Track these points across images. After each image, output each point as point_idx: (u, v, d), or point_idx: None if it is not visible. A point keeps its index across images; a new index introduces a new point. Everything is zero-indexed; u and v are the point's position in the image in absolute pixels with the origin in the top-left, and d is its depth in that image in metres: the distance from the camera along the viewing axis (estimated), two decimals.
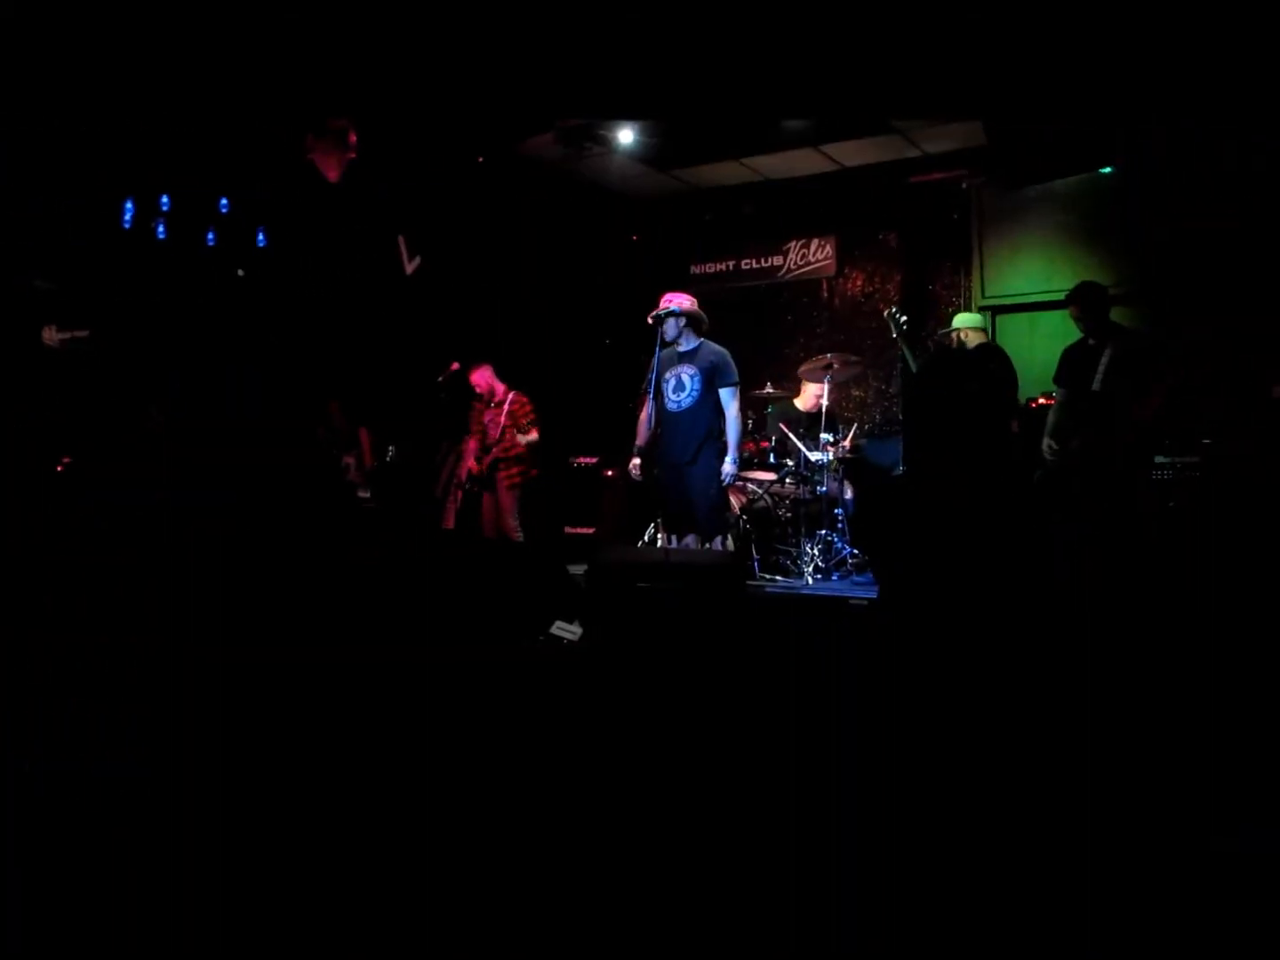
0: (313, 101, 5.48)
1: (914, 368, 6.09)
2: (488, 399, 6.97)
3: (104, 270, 5.57)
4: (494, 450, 6.79)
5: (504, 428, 6.78)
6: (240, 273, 5.56)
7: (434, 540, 6.21)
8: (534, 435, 6.87)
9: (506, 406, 6.85)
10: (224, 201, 5.88)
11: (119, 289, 5.53)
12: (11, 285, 5.00)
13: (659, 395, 5.63)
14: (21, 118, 4.99)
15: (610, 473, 8.32)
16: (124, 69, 5.29)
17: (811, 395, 7.41)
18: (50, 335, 5.22)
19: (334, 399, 5.84)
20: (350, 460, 6.15)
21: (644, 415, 5.68)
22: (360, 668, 3.32)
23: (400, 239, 6.63)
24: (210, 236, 5.85)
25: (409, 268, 6.65)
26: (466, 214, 7.69)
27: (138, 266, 5.71)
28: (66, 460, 5.15)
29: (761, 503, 7.22)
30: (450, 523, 6.87)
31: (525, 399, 6.92)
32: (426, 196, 7.17)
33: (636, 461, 5.76)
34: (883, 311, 6.68)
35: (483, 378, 6.96)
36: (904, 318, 6.28)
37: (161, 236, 5.80)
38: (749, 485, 7.26)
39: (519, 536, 6.79)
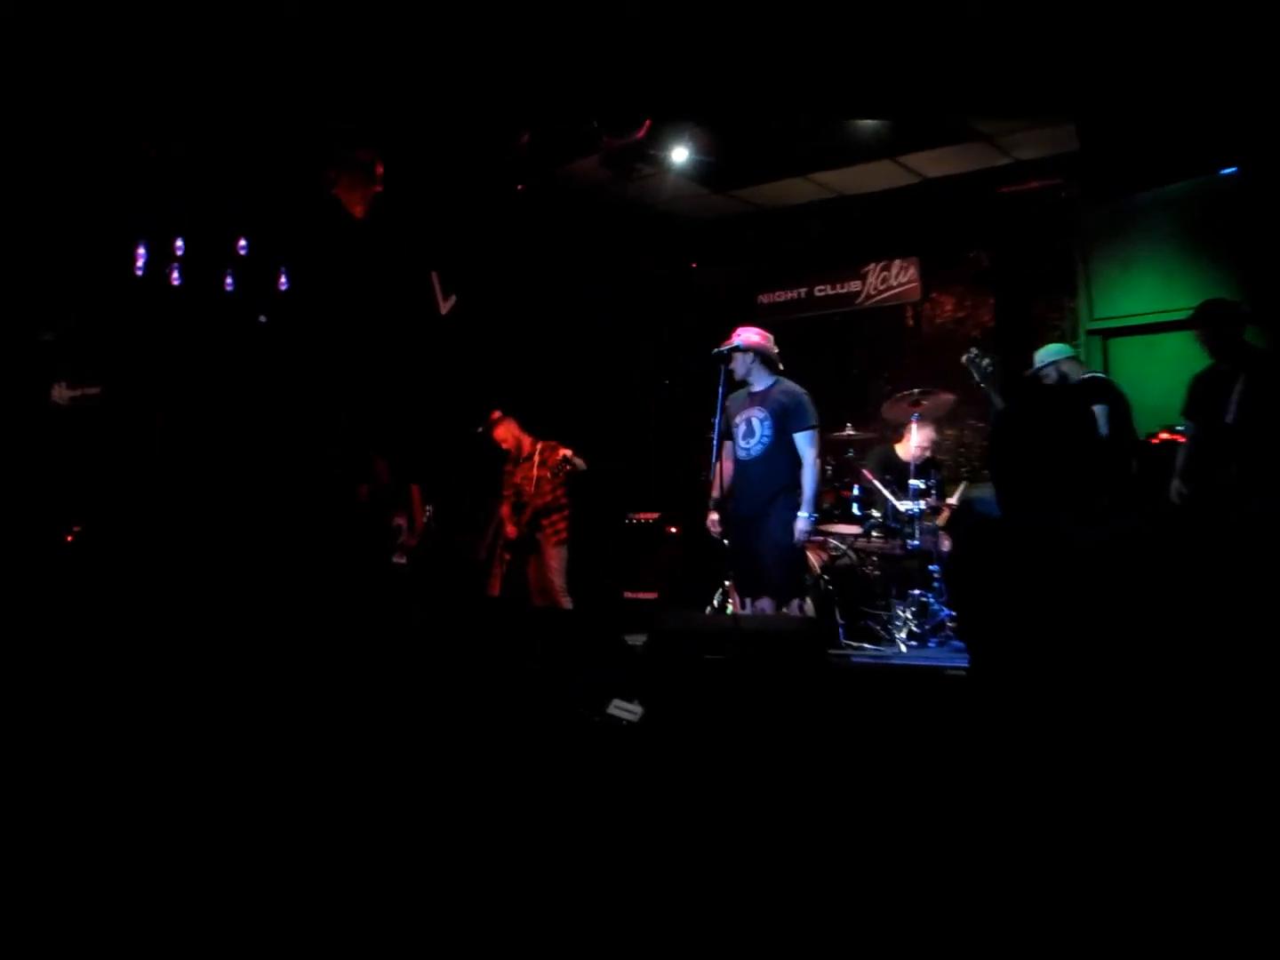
0: (337, 129, 5.67)
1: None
2: (516, 455, 6.98)
3: (117, 321, 5.71)
4: (532, 503, 6.74)
5: (538, 479, 6.76)
6: (262, 319, 5.58)
7: (478, 610, 6.24)
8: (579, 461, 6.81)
9: (537, 457, 6.84)
10: (243, 243, 5.94)
11: (133, 340, 5.61)
12: (19, 340, 5.06)
13: (727, 441, 5.62)
14: (30, 159, 5.09)
15: (673, 529, 8.27)
16: (136, 101, 5.45)
17: (916, 444, 7.10)
18: (60, 393, 5.35)
19: (379, 455, 5.81)
20: (402, 521, 6.05)
21: (720, 464, 5.59)
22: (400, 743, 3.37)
23: (434, 276, 6.67)
24: (229, 281, 5.98)
25: (444, 307, 6.67)
26: (505, 247, 7.83)
27: (153, 315, 5.86)
28: (77, 529, 5.17)
29: (845, 560, 7.11)
30: (496, 589, 6.85)
31: (555, 443, 6.87)
32: (460, 229, 7.36)
33: (714, 516, 5.67)
34: (961, 358, 6.28)
35: (509, 432, 6.98)
36: (986, 360, 6.01)
37: (178, 282, 5.95)
38: (830, 540, 7.16)
39: (567, 601, 6.73)
